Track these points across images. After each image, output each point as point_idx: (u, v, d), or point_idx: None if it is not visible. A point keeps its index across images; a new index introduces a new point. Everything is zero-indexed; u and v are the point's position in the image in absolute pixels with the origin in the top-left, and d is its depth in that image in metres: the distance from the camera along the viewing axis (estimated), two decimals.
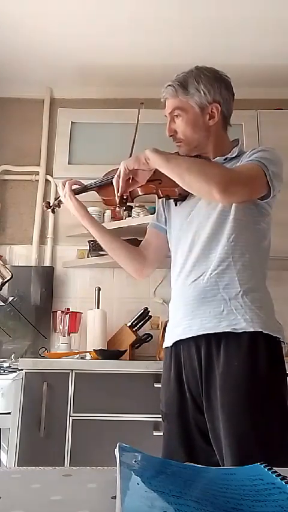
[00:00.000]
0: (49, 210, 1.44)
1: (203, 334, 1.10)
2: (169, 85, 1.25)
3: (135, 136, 1.30)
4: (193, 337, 1.12)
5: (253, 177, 1.11)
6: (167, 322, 2.22)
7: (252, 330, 1.06)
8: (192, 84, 1.22)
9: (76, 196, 1.34)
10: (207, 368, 1.09)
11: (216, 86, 1.23)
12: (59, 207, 1.42)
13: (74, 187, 1.35)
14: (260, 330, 1.06)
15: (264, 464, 0.47)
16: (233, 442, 1.00)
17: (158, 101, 1.30)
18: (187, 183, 1.11)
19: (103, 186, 1.34)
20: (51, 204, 1.43)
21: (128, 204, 1.26)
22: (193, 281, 1.16)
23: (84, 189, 1.36)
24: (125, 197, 1.22)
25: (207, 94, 1.22)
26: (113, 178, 1.26)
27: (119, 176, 1.20)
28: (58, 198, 1.39)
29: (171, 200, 1.31)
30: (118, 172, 1.20)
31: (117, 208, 1.26)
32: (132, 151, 1.28)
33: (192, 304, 1.15)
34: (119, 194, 1.21)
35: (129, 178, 1.22)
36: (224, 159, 1.24)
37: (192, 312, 1.14)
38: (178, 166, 1.13)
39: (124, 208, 1.24)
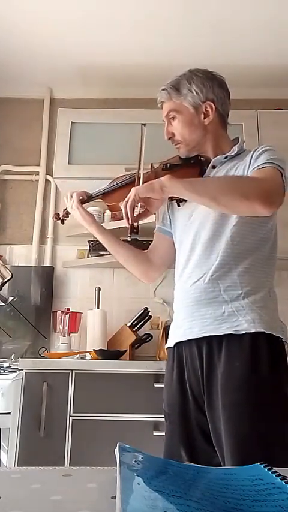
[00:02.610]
0: (59, 221, 1.46)
1: (205, 336, 1.10)
2: (163, 89, 1.27)
3: (140, 155, 1.25)
4: (194, 338, 1.13)
5: (280, 182, 1.10)
6: (167, 322, 2.24)
7: (254, 330, 1.06)
8: (185, 85, 1.24)
9: (83, 205, 1.35)
10: (208, 368, 1.09)
11: (209, 85, 1.24)
12: (68, 217, 1.44)
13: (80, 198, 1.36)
14: (262, 330, 1.06)
15: (264, 464, 0.47)
16: (234, 442, 1.00)
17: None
18: (223, 204, 1.07)
19: (108, 193, 1.35)
20: (60, 216, 1.45)
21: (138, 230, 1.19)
22: (194, 282, 1.16)
23: (90, 198, 1.37)
24: (135, 226, 1.16)
25: (199, 93, 1.23)
26: (117, 185, 1.29)
27: (127, 202, 1.13)
28: (66, 209, 1.41)
29: (174, 201, 1.31)
30: (127, 198, 1.13)
31: (128, 238, 1.19)
32: (139, 169, 1.24)
33: (192, 305, 1.15)
34: (129, 223, 1.15)
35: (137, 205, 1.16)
36: (225, 158, 1.24)
37: (193, 313, 1.14)
38: (206, 190, 1.08)
39: (136, 234, 1.19)
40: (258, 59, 2.49)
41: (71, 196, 1.34)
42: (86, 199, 1.36)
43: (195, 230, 1.21)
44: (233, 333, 1.07)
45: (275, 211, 1.09)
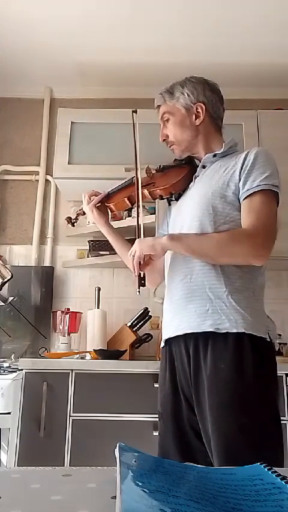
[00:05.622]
0: (70, 224, 1.52)
1: (191, 333, 1.11)
2: (159, 94, 1.34)
3: (135, 144, 1.30)
4: (182, 335, 1.14)
5: (271, 215, 1.12)
6: None
7: (235, 331, 1.06)
8: (178, 89, 1.31)
9: (98, 206, 1.41)
10: (195, 370, 1.10)
11: (200, 88, 1.29)
12: (83, 214, 1.49)
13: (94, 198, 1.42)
14: (244, 330, 1.06)
15: (264, 464, 0.47)
16: (221, 443, 1.00)
17: None
18: (221, 262, 1.13)
19: (109, 196, 1.41)
20: (72, 219, 1.51)
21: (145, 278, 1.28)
22: (181, 280, 1.18)
23: (102, 199, 1.41)
24: (142, 276, 1.24)
25: (190, 95, 1.29)
26: (120, 185, 1.37)
27: (133, 257, 1.21)
28: (81, 208, 1.47)
29: (165, 200, 1.36)
30: (132, 253, 1.22)
31: (137, 293, 1.25)
32: (136, 159, 1.27)
33: (179, 302, 1.17)
34: (136, 274, 1.22)
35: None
36: (214, 156, 1.26)
37: (180, 310, 1.16)
38: (203, 251, 1.14)
39: (143, 286, 1.27)
40: (259, 59, 2.49)
41: (89, 198, 1.40)
42: (98, 200, 1.40)
43: (179, 228, 1.24)
44: (215, 331, 1.07)
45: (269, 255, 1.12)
